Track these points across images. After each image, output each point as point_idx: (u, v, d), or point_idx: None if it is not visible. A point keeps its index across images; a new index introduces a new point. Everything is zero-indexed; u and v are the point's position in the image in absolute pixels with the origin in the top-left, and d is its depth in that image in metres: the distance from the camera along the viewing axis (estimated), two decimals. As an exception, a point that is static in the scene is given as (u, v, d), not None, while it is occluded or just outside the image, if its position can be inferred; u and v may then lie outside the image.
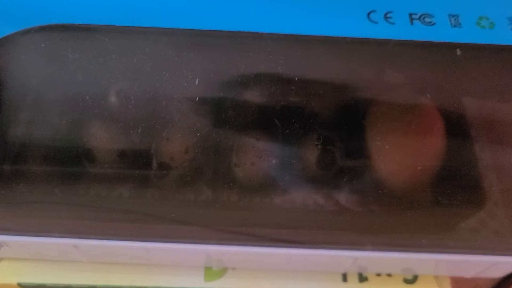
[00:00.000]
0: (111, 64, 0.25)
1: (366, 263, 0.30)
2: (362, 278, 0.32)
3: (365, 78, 0.26)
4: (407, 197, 0.28)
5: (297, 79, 0.25)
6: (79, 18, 0.23)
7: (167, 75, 0.25)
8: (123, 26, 0.23)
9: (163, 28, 0.23)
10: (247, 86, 0.26)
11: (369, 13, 0.24)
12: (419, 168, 0.27)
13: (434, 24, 0.24)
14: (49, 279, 0.31)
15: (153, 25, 0.23)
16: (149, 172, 0.28)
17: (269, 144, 0.27)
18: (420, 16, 0.24)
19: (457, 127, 0.27)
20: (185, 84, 0.25)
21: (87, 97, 0.25)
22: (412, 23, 0.24)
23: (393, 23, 0.24)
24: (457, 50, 0.23)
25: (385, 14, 0.24)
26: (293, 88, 0.25)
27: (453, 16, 0.24)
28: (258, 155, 0.27)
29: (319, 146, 0.27)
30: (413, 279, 0.32)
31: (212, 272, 0.32)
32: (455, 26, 0.24)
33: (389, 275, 0.32)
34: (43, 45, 0.24)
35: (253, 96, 0.26)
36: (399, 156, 0.27)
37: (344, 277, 0.32)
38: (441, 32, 0.24)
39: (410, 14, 0.24)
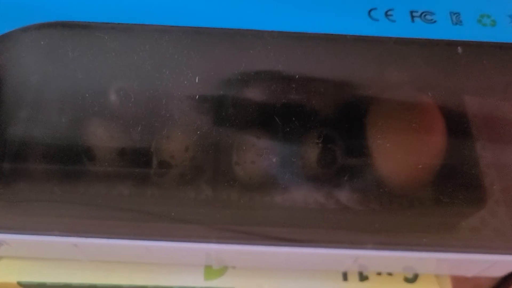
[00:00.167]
0: (111, 61, 0.25)
1: (367, 262, 0.30)
2: (363, 277, 0.32)
3: (366, 76, 0.26)
4: (408, 196, 0.28)
5: (297, 77, 0.25)
6: (78, 16, 0.23)
7: (167, 73, 0.25)
8: (123, 23, 0.23)
9: (163, 25, 0.23)
10: (247, 84, 0.26)
11: (370, 11, 0.24)
12: (420, 166, 0.27)
13: (435, 22, 0.24)
14: (49, 278, 0.31)
15: (153, 23, 0.23)
16: (149, 170, 0.28)
17: (269, 142, 0.27)
18: (421, 14, 0.24)
19: (458, 126, 0.26)
20: (185, 82, 0.25)
21: (86, 95, 0.25)
22: (413, 21, 0.24)
23: (394, 21, 0.24)
24: (458, 48, 0.23)
25: (386, 12, 0.24)
26: (293, 86, 0.25)
27: (454, 13, 0.24)
28: (259, 154, 0.27)
29: (320, 145, 0.27)
30: (414, 278, 0.32)
31: (212, 270, 0.32)
32: (456, 24, 0.24)
33: (389, 274, 0.32)
34: (42, 42, 0.24)
35: (253, 94, 0.26)
36: (400, 154, 0.27)
37: (345, 276, 0.32)
38: (442, 30, 0.24)
39: (411, 12, 0.24)
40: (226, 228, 0.28)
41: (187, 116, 0.26)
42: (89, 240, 0.28)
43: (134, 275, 0.32)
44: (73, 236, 0.28)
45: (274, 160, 0.27)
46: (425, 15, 0.24)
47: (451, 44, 0.24)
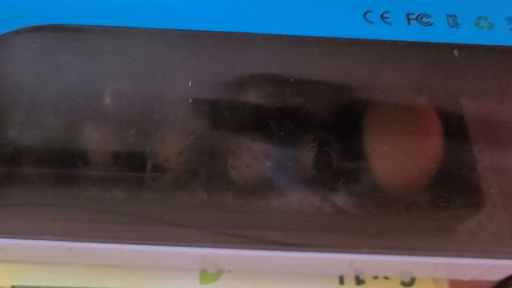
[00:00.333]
0: (103, 64, 0.25)
1: (363, 266, 0.30)
2: (359, 281, 0.32)
3: (362, 79, 0.26)
4: (404, 200, 0.27)
5: (293, 80, 0.25)
6: (71, 19, 0.23)
7: (160, 76, 0.25)
8: (116, 26, 0.23)
9: (157, 28, 0.23)
10: (242, 87, 0.25)
11: (365, 13, 0.24)
12: (416, 170, 0.26)
13: (431, 24, 0.24)
14: (43, 282, 0.31)
15: (146, 26, 0.23)
16: (143, 174, 0.27)
17: (264, 146, 0.27)
18: (417, 16, 0.24)
19: (455, 129, 0.26)
20: (179, 86, 0.25)
21: (79, 98, 0.25)
22: (409, 23, 0.23)
23: (390, 23, 0.23)
24: (455, 51, 0.23)
25: (382, 14, 0.24)
26: (288, 89, 0.25)
27: (451, 16, 0.24)
28: (254, 157, 0.27)
29: (315, 148, 0.27)
30: (411, 282, 0.32)
31: (207, 274, 0.32)
32: (453, 26, 0.24)
33: (386, 277, 0.32)
34: (34, 45, 0.24)
35: (248, 97, 0.26)
36: (396, 158, 0.26)
37: (341, 280, 0.32)
38: (439, 33, 0.23)
39: (407, 14, 0.24)
40: (222, 232, 0.28)
41: (181, 120, 0.26)
42: (83, 244, 0.28)
43: (129, 279, 0.31)
44: (67, 240, 0.28)
45: (269, 163, 0.27)
46: (421, 18, 0.24)
47: (447, 47, 0.23)
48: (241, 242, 0.28)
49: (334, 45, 0.24)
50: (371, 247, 0.27)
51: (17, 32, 0.23)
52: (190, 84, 0.24)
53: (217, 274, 0.32)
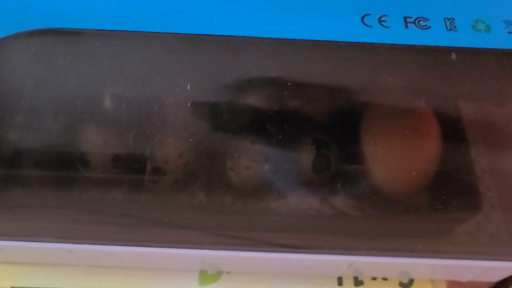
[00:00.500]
0: (102, 68, 0.25)
1: (362, 267, 0.30)
2: (358, 282, 0.32)
3: (360, 83, 0.26)
4: (402, 202, 0.27)
5: (291, 83, 0.25)
6: (69, 22, 0.23)
7: (159, 80, 0.25)
8: (114, 30, 0.23)
9: (155, 32, 0.23)
10: (240, 91, 0.25)
11: (363, 17, 0.24)
12: (414, 172, 0.26)
13: (429, 27, 0.24)
14: (43, 283, 0.31)
15: (145, 29, 0.23)
16: (143, 176, 0.27)
17: (263, 148, 0.27)
18: (415, 20, 0.24)
19: (452, 132, 0.26)
20: (177, 89, 0.25)
21: (78, 101, 0.25)
22: (407, 27, 0.24)
23: (387, 27, 0.23)
24: (452, 54, 0.23)
25: (380, 18, 0.24)
26: (286, 92, 0.25)
27: (449, 19, 0.24)
28: (253, 159, 0.27)
29: (314, 150, 0.27)
30: (409, 283, 0.32)
31: (206, 276, 0.32)
32: (450, 29, 0.24)
33: (384, 278, 0.32)
34: (33, 49, 0.24)
35: (247, 100, 0.26)
36: (394, 160, 0.26)
37: (340, 281, 0.32)
38: (436, 36, 0.23)
39: (405, 18, 0.24)
40: (221, 234, 0.28)
41: (181, 123, 0.26)
42: (83, 246, 0.28)
43: (128, 280, 0.31)
44: (67, 242, 0.28)
45: (268, 166, 0.27)
46: (419, 21, 0.24)
47: (445, 50, 0.23)
48: (240, 244, 0.28)
49: (333, 49, 0.24)
50: (369, 249, 0.28)
51: (16, 36, 0.23)
52: (188, 87, 0.24)
53: (217, 275, 0.32)
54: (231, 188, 0.28)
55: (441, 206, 0.27)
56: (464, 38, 0.24)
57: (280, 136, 0.26)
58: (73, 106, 0.26)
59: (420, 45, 0.23)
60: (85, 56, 0.25)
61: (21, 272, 0.31)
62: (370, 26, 0.23)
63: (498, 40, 0.24)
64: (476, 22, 0.24)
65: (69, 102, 0.26)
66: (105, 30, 0.23)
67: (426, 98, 0.26)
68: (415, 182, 0.27)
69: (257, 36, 0.23)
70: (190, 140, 0.27)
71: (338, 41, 0.23)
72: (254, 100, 0.26)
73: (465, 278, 0.30)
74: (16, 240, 0.28)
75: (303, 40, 0.23)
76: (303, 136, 0.27)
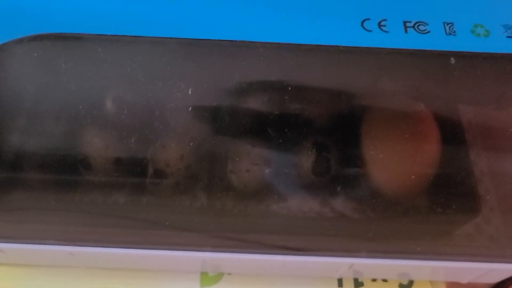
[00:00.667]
0: (104, 73, 0.25)
1: (362, 269, 0.30)
2: (358, 283, 0.32)
3: (359, 87, 0.26)
4: (402, 204, 0.28)
5: (291, 87, 0.25)
6: (72, 27, 0.23)
7: (161, 84, 0.25)
8: (117, 35, 0.23)
9: (157, 37, 0.23)
10: (241, 95, 0.26)
11: (363, 21, 0.24)
12: (414, 175, 0.27)
13: (428, 32, 0.24)
14: (45, 285, 0.31)
15: (146, 34, 0.23)
16: (144, 179, 0.28)
17: (264, 151, 0.27)
18: (415, 24, 0.24)
19: (451, 135, 0.27)
20: (178, 94, 0.25)
21: (80, 106, 0.25)
22: (406, 31, 0.24)
23: (387, 31, 0.24)
24: (451, 58, 0.23)
25: (379, 22, 0.24)
26: (287, 96, 0.25)
27: (448, 24, 0.24)
28: (254, 162, 0.27)
29: (314, 154, 0.27)
30: (409, 284, 0.32)
31: (208, 277, 0.32)
32: (449, 34, 0.24)
33: (384, 280, 0.32)
34: (35, 54, 0.24)
35: (248, 104, 0.26)
36: (394, 163, 0.27)
37: (340, 282, 0.32)
38: (436, 40, 0.24)
39: (404, 22, 0.24)
40: (222, 236, 0.28)
41: (182, 126, 0.26)
42: (85, 248, 0.28)
43: (130, 282, 0.32)
44: (69, 244, 0.28)
45: (269, 168, 0.27)
46: (418, 26, 0.24)
47: (444, 55, 0.23)
48: (241, 246, 0.28)
49: (332, 53, 0.24)
50: (369, 251, 0.28)
51: (19, 41, 0.23)
52: (190, 92, 0.25)
53: (218, 277, 0.32)
54: (232, 190, 0.28)
55: (441, 209, 0.27)
56: (463, 43, 0.24)
57: (281, 140, 0.26)
58: (75, 110, 0.26)
59: (420, 50, 0.23)
60: (87, 61, 0.25)
61: (22, 274, 0.32)
62: (370, 31, 0.24)
63: (497, 45, 0.24)
64: (475, 27, 0.24)
65: (71, 106, 0.26)
66: (107, 35, 0.23)
67: (426, 102, 0.26)
68: (414, 185, 0.27)
69: (258, 40, 0.23)
70: (191, 143, 0.27)
71: (338, 46, 0.23)
72: (254, 104, 0.26)
73: (464, 279, 0.31)
74: (17, 242, 0.28)
75: (304, 44, 0.23)
76: (303, 140, 0.27)
